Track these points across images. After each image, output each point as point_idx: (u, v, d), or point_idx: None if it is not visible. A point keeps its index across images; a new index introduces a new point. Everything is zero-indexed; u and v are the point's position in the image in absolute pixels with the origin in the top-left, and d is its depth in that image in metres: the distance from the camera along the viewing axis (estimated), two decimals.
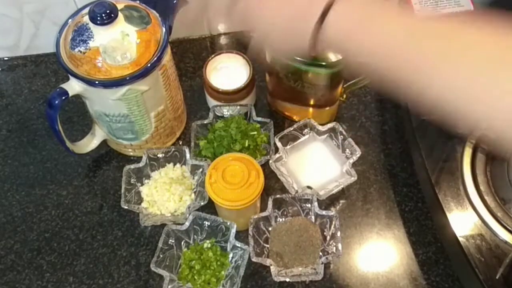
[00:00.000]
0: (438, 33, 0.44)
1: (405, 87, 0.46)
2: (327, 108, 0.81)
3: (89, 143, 0.80)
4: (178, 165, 0.79)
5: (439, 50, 0.43)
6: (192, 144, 0.79)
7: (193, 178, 0.78)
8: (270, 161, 0.75)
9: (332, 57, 0.72)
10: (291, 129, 0.78)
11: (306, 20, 0.49)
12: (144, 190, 0.77)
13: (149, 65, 0.68)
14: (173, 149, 0.78)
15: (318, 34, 0.48)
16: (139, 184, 0.78)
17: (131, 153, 0.82)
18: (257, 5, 0.53)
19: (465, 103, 0.43)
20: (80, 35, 0.67)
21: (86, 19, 0.67)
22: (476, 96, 0.42)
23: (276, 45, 0.54)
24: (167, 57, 0.72)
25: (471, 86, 0.43)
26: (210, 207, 0.74)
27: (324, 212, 0.71)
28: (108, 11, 0.66)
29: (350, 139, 0.76)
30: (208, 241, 0.72)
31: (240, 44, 0.94)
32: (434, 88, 0.44)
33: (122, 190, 0.74)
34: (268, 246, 0.72)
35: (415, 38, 0.45)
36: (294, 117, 0.84)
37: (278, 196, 0.72)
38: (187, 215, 0.72)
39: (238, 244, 0.70)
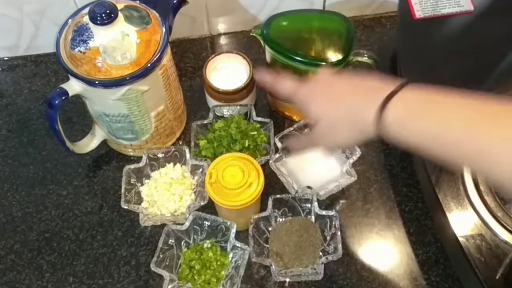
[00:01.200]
0: (498, 123, 0.45)
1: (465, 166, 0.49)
2: None
3: (89, 143, 0.80)
4: (178, 165, 0.79)
5: (498, 138, 0.44)
6: (192, 144, 0.79)
7: (193, 178, 0.78)
8: (270, 161, 0.75)
9: (332, 57, 0.72)
10: (291, 129, 0.78)
11: (368, 107, 0.50)
12: (144, 190, 0.77)
13: (149, 65, 0.68)
14: (173, 149, 0.78)
15: (380, 122, 0.50)
16: (139, 184, 0.78)
17: (131, 153, 0.82)
18: (321, 91, 0.55)
19: None
20: (80, 35, 0.67)
21: (86, 19, 0.67)
22: None
23: (337, 133, 0.55)
24: (167, 57, 0.72)
25: None
26: (210, 207, 0.74)
27: (324, 212, 0.71)
28: (108, 11, 0.66)
29: None
30: (208, 241, 0.72)
31: (240, 44, 0.94)
32: (496, 168, 0.45)
33: (122, 190, 0.74)
34: (268, 246, 0.72)
35: (474, 131, 0.46)
36: (294, 117, 0.84)
37: (278, 196, 0.72)
38: (187, 215, 0.72)
39: (238, 244, 0.70)
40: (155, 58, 0.69)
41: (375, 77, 0.54)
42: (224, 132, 0.77)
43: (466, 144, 0.45)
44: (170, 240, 0.71)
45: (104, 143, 0.82)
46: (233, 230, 0.70)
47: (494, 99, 0.48)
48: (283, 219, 0.74)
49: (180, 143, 0.84)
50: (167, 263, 0.70)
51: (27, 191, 0.81)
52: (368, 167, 0.80)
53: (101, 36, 0.67)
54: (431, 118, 0.48)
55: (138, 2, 0.72)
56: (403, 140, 0.50)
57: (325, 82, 0.56)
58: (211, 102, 0.83)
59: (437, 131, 0.47)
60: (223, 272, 0.70)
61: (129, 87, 0.69)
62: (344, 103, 0.53)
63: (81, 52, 0.67)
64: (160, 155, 0.78)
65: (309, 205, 0.73)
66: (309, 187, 0.73)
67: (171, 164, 0.78)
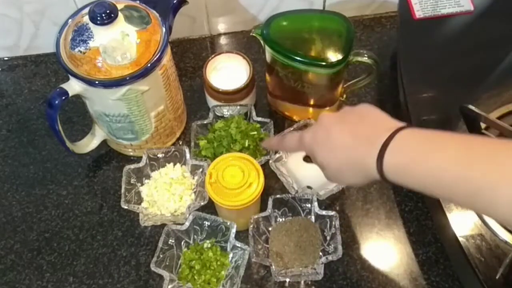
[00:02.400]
0: (493, 162, 0.46)
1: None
2: (327, 108, 0.81)
3: (89, 143, 0.80)
4: (178, 165, 0.79)
5: (494, 177, 0.45)
6: (192, 144, 0.79)
7: (193, 178, 0.78)
8: (270, 161, 0.75)
9: (332, 57, 0.72)
10: (291, 129, 0.78)
11: (368, 157, 0.52)
12: (144, 190, 0.77)
13: (149, 65, 0.68)
14: (173, 149, 0.78)
15: (381, 169, 0.51)
16: (139, 184, 0.78)
17: (131, 153, 0.82)
18: (321, 142, 0.57)
19: None
20: (80, 35, 0.67)
21: (86, 19, 0.67)
22: None
23: (345, 177, 0.58)
24: (167, 57, 0.72)
25: None
26: (210, 207, 0.74)
27: (324, 212, 0.71)
28: (108, 11, 0.66)
29: None
30: (208, 241, 0.72)
31: (240, 44, 0.94)
32: (494, 207, 0.45)
33: (122, 190, 0.74)
34: (268, 246, 0.72)
35: (470, 171, 0.46)
36: (294, 117, 0.84)
37: (278, 196, 0.72)
38: (187, 215, 0.72)
39: (238, 244, 0.70)
40: (155, 58, 0.69)
41: (374, 116, 0.56)
42: (224, 132, 0.77)
43: (463, 185, 0.46)
44: (170, 240, 0.71)
45: (104, 143, 0.82)
46: (233, 230, 0.70)
47: (487, 138, 0.50)
48: (283, 219, 0.74)
49: (180, 143, 0.84)
50: (167, 263, 0.70)
51: (27, 191, 0.81)
52: None
53: (101, 36, 0.67)
54: (429, 161, 0.49)
55: (138, 2, 0.72)
56: (405, 184, 0.51)
57: (324, 132, 0.57)
58: (211, 102, 0.83)
59: (435, 174, 0.48)
60: (223, 272, 0.70)
61: (129, 87, 0.69)
62: (344, 154, 0.55)
63: (81, 52, 0.67)
64: (160, 155, 0.78)
65: (309, 205, 0.73)
66: (309, 187, 0.73)
67: (171, 164, 0.78)
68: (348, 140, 0.54)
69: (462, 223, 0.64)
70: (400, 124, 0.53)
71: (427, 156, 0.49)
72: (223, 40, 0.96)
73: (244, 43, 0.94)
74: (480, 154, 0.47)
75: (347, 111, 0.58)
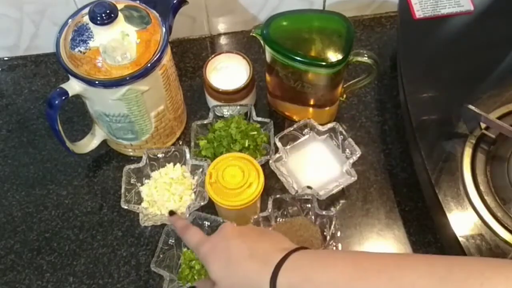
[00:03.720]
0: (381, 277, 0.48)
1: None
2: (327, 108, 0.81)
3: (89, 143, 0.80)
4: (178, 165, 0.79)
5: None
6: (192, 144, 0.79)
7: (193, 178, 0.78)
8: (270, 161, 0.75)
9: (332, 57, 0.72)
10: (291, 129, 0.78)
11: (263, 275, 0.51)
12: (144, 190, 0.77)
13: (149, 65, 0.68)
14: (173, 149, 0.78)
15: (272, 286, 0.51)
16: (139, 184, 0.78)
17: (131, 153, 0.82)
18: (219, 253, 0.56)
19: None
20: (80, 35, 0.67)
21: (86, 19, 0.67)
22: None
23: None
24: (167, 57, 0.72)
25: None
26: (210, 207, 0.74)
27: (324, 212, 0.71)
28: (108, 11, 0.66)
29: (350, 139, 0.76)
30: None
31: (240, 44, 0.94)
32: None
33: (122, 190, 0.74)
34: None
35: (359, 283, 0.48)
36: (294, 117, 0.84)
37: (278, 196, 0.72)
38: (187, 215, 0.72)
39: None
40: (155, 58, 0.69)
41: (274, 236, 0.56)
42: (224, 132, 0.77)
43: None
44: (170, 240, 0.71)
45: (104, 143, 0.82)
46: None
47: (376, 254, 0.52)
48: (283, 219, 0.74)
49: (180, 143, 0.84)
50: (167, 263, 0.70)
51: (27, 191, 0.81)
52: (368, 167, 0.80)
53: (101, 36, 0.67)
54: (320, 278, 0.50)
55: (138, 2, 0.72)
56: None
57: (224, 243, 0.56)
58: (211, 102, 0.83)
59: None
60: None
61: (129, 87, 0.69)
62: (239, 269, 0.53)
63: (81, 52, 0.67)
64: (160, 155, 0.78)
65: (309, 205, 0.73)
66: (309, 187, 0.73)
67: (171, 164, 0.78)
68: (245, 253, 0.54)
69: (462, 223, 0.64)
70: (295, 246, 0.54)
71: (318, 273, 0.50)
72: (223, 40, 0.96)
73: (244, 43, 0.94)
74: (369, 269, 0.48)
75: (249, 227, 0.59)
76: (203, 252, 0.57)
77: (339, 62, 0.72)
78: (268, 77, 0.82)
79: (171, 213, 0.64)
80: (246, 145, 0.77)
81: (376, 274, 0.48)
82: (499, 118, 0.69)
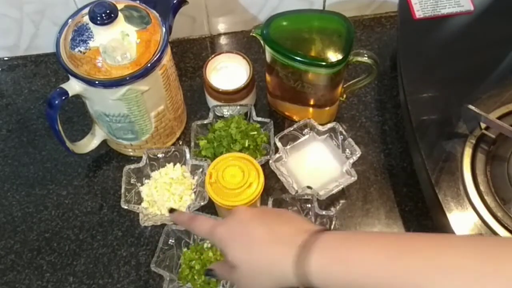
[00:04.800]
0: (416, 257, 0.45)
1: None
2: (327, 108, 0.81)
3: (89, 143, 0.80)
4: (178, 165, 0.79)
5: (418, 274, 0.44)
6: (192, 144, 0.79)
7: (193, 178, 0.78)
8: (270, 161, 0.75)
9: (332, 57, 0.72)
10: (291, 129, 0.78)
11: (286, 259, 0.49)
12: (144, 190, 0.77)
13: (149, 65, 0.68)
14: (173, 149, 0.78)
15: (299, 273, 0.48)
16: (139, 184, 0.78)
17: (131, 153, 0.82)
18: (237, 234, 0.53)
19: None
20: (80, 35, 0.67)
21: (86, 19, 0.67)
22: None
23: (255, 283, 0.53)
24: (167, 57, 0.72)
25: None
26: (210, 207, 0.74)
27: (324, 212, 0.71)
28: (108, 11, 0.66)
29: (350, 139, 0.77)
30: (208, 241, 0.72)
31: (240, 44, 0.94)
32: None
33: (122, 190, 0.74)
34: None
35: (394, 267, 0.45)
36: (294, 117, 0.84)
37: (278, 196, 0.72)
38: None
39: None
40: (155, 58, 0.69)
41: (292, 216, 0.54)
42: (224, 132, 0.77)
43: (399, 281, 0.45)
44: (170, 240, 0.71)
45: (104, 143, 0.82)
46: None
47: (410, 234, 0.49)
48: None
49: (180, 143, 0.84)
50: (167, 263, 0.70)
51: (27, 191, 0.81)
52: (368, 167, 0.80)
53: (101, 36, 0.67)
54: (353, 258, 0.47)
55: (138, 2, 0.72)
56: (330, 285, 0.48)
57: (241, 226, 0.53)
58: (211, 102, 0.83)
59: (361, 273, 0.46)
60: None
61: (129, 87, 0.69)
62: (262, 253, 0.51)
63: (81, 52, 0.67)
64: (160, 155, 0.78)
65: (309, 205, 0.73)
66: (309, 187, 0.73)
67: (171, 164, 0.78)
68: (266, 237, 0.51)
69: (462, 223, 0.64)
70: (318, 227, 0.51)
71: (351, 254, 0.47)
72: (223, 40, 0.96)
73: (244, 43, 0.94)
74: (405, 248, 0.46)
75: (264, 209, 0.57)
76: (219, 236, 0.54)
77: (339, 62, 0.72)
78: (268, 77, 0.82)
79: (171, 210, 0.61)
80: (246, 145, 0.77)
81: (415, 253, 0.45)
82: (499, 118, 0.69)
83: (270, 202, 0.72)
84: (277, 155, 0.76)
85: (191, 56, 0.93)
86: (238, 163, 0.69)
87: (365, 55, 0.74)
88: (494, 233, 0.63)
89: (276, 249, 0.50)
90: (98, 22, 0.66)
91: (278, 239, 0.51)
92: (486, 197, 0.65)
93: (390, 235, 0.52)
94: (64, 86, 0.69)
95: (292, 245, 0.49)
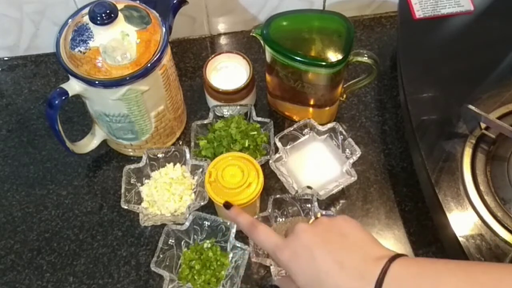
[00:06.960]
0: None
1: None
2: (327, 108, 0.81)
3: (89, 143, 0.80)
4: (178, 165, 0.79)
5: None
6: (192, 144, 0.79)
7: (193, 178, 0.78)
8: (270, 161, 0.75)
9: (332, 57, 0.72)
10: (291, 129, 0.78)
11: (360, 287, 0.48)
12: (144, 190, 0.77)
13: (149, 65, 0.68)
14: (173, 149, 0.78)
15: None
16: (139, 184, 0.78)
17: (131, 153, 0.82)
18: (303, 262, 0.52)
19: None
20: (80, 35, 0.67)
21: (86, 19, 0.67)
22: None
23: None
24: (167, 57, 0.72)
25: None
26: (210, 207, 0.74)
27: (324, 212, 0.71)
28: (108, 11, 0.66)
29: (350, 139, 0.77)
30: (208, 241, 0.72)
31: (240, 44, 0.94)
32: None
33: (122, 190, 0.74)
34: None
35: None
36: (294, 117, 0.84)
37: (278, 196, 0.72)
38: (187, 215, 0.72)
39: (238, 244, 0.70)
40: (155, 58, 0.69)
41: (358, 237, 0.52)
42: (224, 132, 0.77)
43: None
44: (170, 240, 0.71)
45: (104, 143, 0.82)
46: (233, 230, 0.70)
47: (492, 266, 0.47)
48: (283, 219, 0.74)
49: (180, 143, 0.84)
50: (167, 263, 0.70)
51: (27, 191, 0.81)
52: (368, 167, 0.80)
53: (101, 36, 0.67)
54: None
55: (138, 2, 0.72)
56: None
57: (307, 253, 0.51)
58: (211, 102, 0.83)
59: None
60: (223, 272, 0.70)
61: (129, 87, 0.69)
62: (331, 285, 0.50)
63: (81, 52, 0.67)
64: (160, 155, 0.78)
65: (309, 205, 0.73)
66: (309, 187, 0.73)
67: (171, 164, 0.78)
68: (335, 267, 0.50)
69: (462, 223, 0.64)
70: (388, 252, 0.50)
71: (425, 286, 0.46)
72: (223, 40, 0.96)
73: (244, 43, 0.94)
74: (486, 284, 0.45)
75: (326, 228, 0.53)
76: (284, 260, 0.53)
77: (339, 62, 0.72)
78: (268, 77, 0.82)
79: (228, 205, 0.58)
80: (246, 145, 0.77)
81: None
82: (499, 118, 0.69)
83: (270, 202, 0.72)
84: (277, 155, 0.76)
85: (191, 56, 0.93)
86: (237, 162, 0.69)
87: (365, 55, 0.74)
88: (494, 233, 0.63)
89: (346, 281, 0.49)
90: (98, 22, 0.66)
91: (348, 270, 0.49)
92: (486, 197, 0.65)
93: (469, 266, 0.49)
94: (64, 86, 0.69)
95: (365, 276, 0.48)
